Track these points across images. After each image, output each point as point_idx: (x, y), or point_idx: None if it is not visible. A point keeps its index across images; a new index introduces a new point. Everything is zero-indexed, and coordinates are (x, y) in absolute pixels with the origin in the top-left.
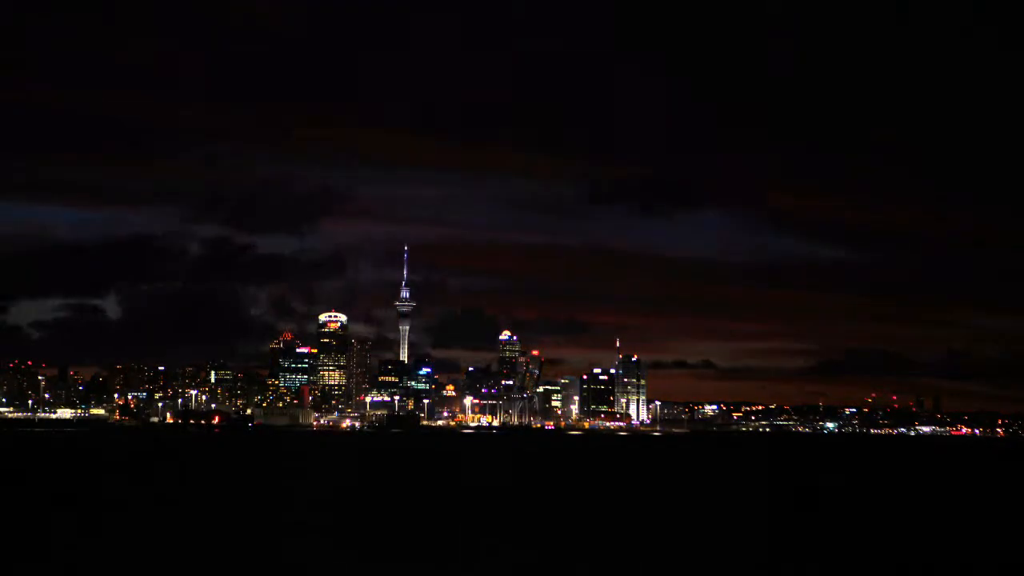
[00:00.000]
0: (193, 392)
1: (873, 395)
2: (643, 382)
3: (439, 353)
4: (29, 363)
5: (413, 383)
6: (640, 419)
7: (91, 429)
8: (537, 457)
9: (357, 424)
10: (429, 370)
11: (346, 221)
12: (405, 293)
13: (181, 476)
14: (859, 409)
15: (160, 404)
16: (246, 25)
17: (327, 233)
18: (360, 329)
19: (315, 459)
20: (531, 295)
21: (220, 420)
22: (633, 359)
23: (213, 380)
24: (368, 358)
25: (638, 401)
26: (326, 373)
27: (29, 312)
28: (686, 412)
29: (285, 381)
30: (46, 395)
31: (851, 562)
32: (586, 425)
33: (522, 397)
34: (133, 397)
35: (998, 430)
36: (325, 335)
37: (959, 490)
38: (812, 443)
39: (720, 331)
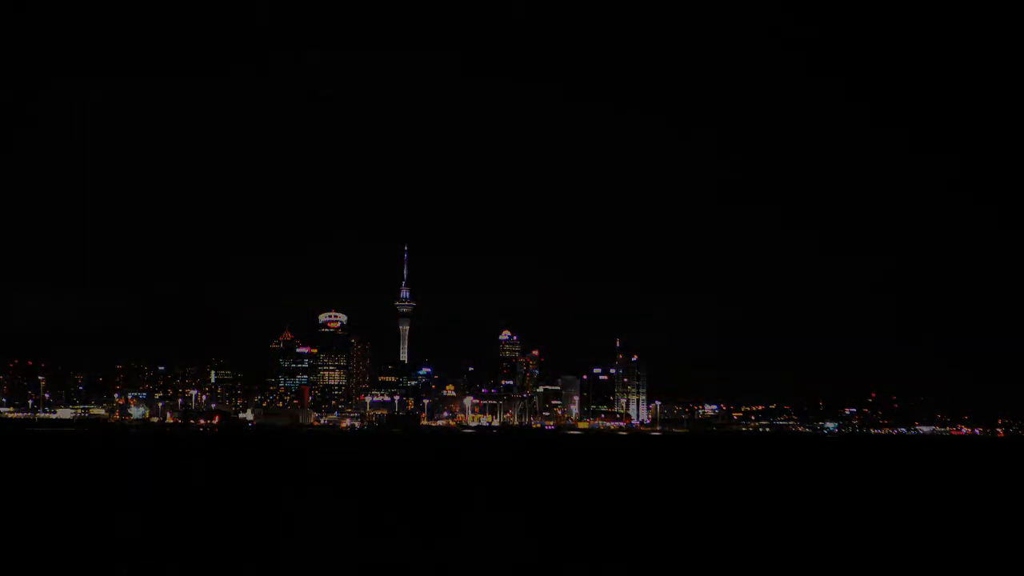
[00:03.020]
0: (193, 392)
1: (873, 395)
2: (643, 382)
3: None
4: (29, 363)
5: (413, 383)
6: (640, 419)
7: (90, 429)
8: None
9: (357, 424)
10: (429, 370)
11: None
12: (405, 293)
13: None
14: (859, 409)
15: (160, 404)
16: None
17: None
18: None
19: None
20: None
21: (220, 420)
22: (633, 359)
23: (213, 380)
24: (368, 358)
25: (638, 401)
26: (326, 373)
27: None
28: (686, 412)
29: (285, 381)
30: (46, 395)
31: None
32: (585, 425)
33: (522, 397)
34: (133, 397)
35: (998, 430)
36: (325, 335)
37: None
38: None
39: None
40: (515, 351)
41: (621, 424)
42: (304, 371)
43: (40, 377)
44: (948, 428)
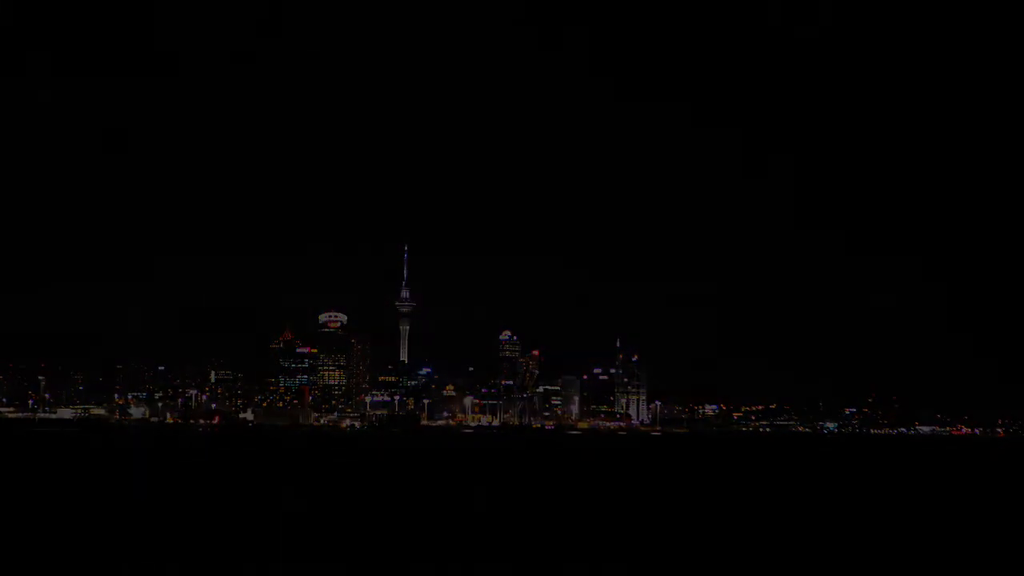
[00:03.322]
0: (193, 392)
1: (873, 395)
2: (643, 382)
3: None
4: (29, 363)
5: (413, 383)
6: (640, 419)
7: (89, 429)
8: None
9: (357, 424)
10: (429, 370)
11: None
12: (405, 293)
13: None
14: (859, 409)
15: (160, 404)
16: None
17: None
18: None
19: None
20: None
21: (220, 420)
22: (633, 359)
23: (213, 380)
24: (368, 358)
25: (638, 401)
26: (326, 373)
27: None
28: (686, 412)
29: (285, 381)
30: (46, 395)
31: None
32: (585, 425)
33: (522, 397)
34: (133, 397)
35: (998, 430)
36: (325, 335)
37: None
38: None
39: None
40: (515, 351)
41: (621, 424)
42: (304, 371)
43: (40, 377)
44: (948, 428)
